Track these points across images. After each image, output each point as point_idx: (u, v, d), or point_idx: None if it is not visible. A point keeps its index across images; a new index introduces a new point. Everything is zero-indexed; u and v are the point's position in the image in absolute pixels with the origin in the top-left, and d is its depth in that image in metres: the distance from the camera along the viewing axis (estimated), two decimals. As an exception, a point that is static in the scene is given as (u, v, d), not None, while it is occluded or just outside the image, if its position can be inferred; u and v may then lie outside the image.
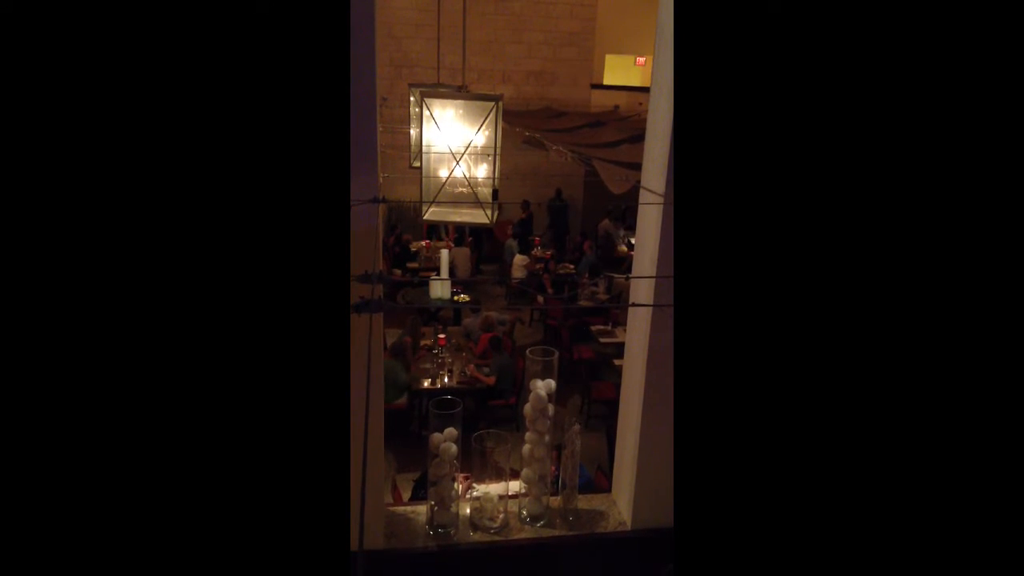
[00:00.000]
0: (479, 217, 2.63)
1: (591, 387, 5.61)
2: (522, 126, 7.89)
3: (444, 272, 6.88)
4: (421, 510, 2.62)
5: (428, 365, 5.39)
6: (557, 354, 2.48)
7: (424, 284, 7.17)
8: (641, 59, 10.82)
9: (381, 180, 2.21)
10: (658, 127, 2.28)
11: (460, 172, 2.50)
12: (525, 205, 10.59)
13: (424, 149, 2.55)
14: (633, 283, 2.54)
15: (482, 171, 2.54)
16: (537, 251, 9.32)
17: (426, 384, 5.13)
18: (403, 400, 4.98)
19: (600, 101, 11.29)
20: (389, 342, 5.62)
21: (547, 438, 2.55)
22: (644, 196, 2.35)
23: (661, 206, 2.20)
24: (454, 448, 2.45)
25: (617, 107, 10.84)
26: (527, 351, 2.53)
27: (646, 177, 2.37)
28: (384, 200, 1.99)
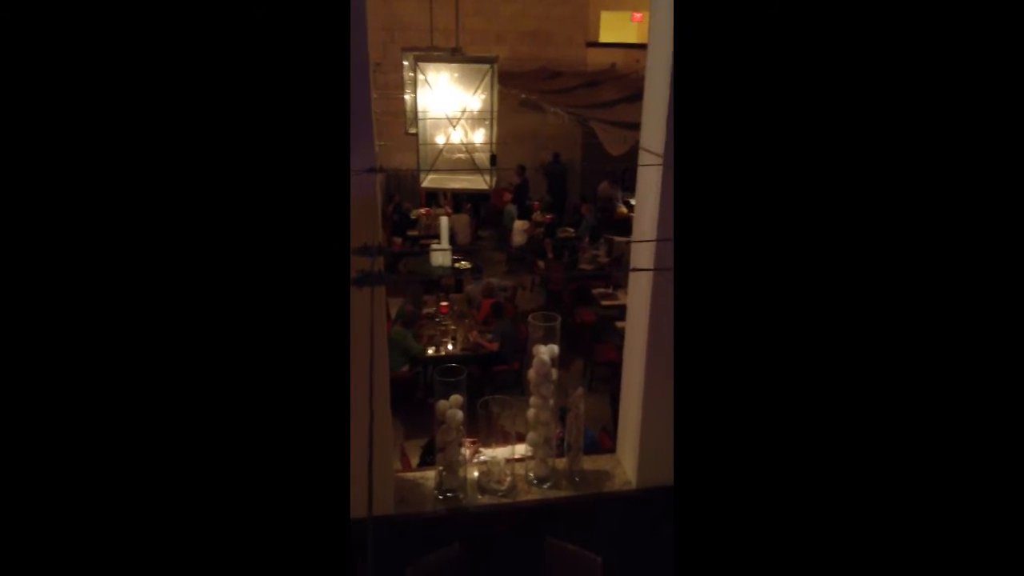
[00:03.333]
0: (478, 183, 2.61)
1: (594, 350, 5.65)
2: (518, 88, 7.76)
3: (444, 239, 6.86)
4: (430, 475, 2.66)
5: (431, 333, 5.41)
6: (560, 319, 2.48)
7: (424, 253, 7.15)
8: (638, 15, 10.57)
9: (378, 149, 2.19)
10: (656, 86, 2.24)
11: (457, 137, 2.47)
12: (520, 170, 10.47)
13: (420, 115, 2.50)
14: (634, 246, 2.53)
15: (479, 136, 2.51)
16: (537, 215, 9.27)
17: (430, 352, 5.17)
18: (406, 368, 5.02)
19: (596, 60, 11.07)
20: (392, 311, 5.64)
21: (551, 402, 2.58)
22: (643, 157, 2.33)
23: (660, 167, 2.18)
24: (460, 414, 2.48)
25: (614, 65, 10.64)
26: (529, 317, 2.54)
27: (645, 138, 2.34)
28: (382, 169, 1.97)
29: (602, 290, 6.50)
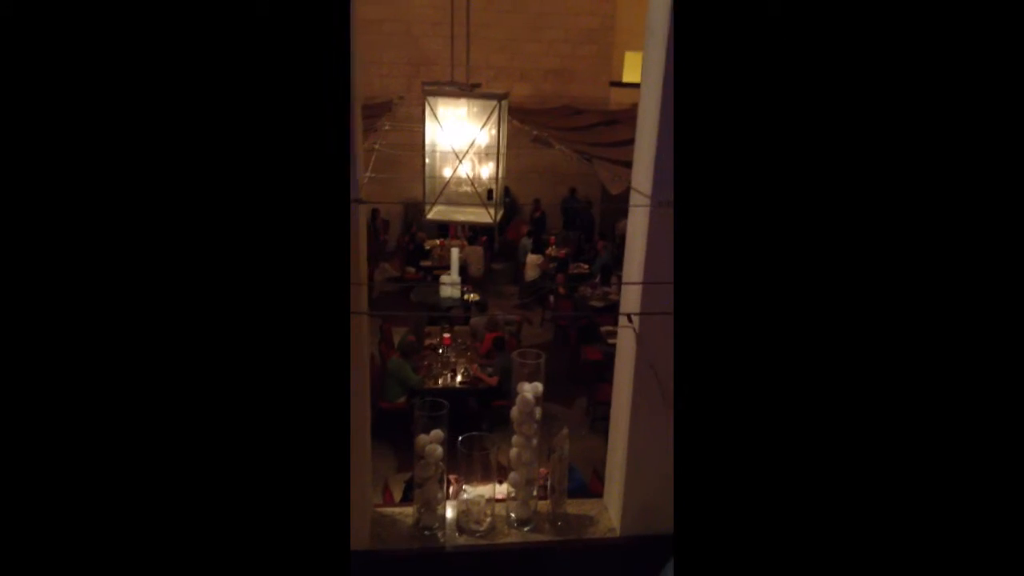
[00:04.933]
0: (483, 216, 2.61)
1: (597, 389, 5.56)
2: (539, 124, 7.84)
3: (454, 271, 6.88)
4: (409, 511, 2.61)
5: (430, 364, 5.38)
6: (544, 357, 2.44)
7: (431, 282, 7.17)
8: (661, 57, 10.68)
9: (364, 180, 2.20)
10: (647, 127, 2.23)
11: (465, 172, 2.48)
12: (536, 204, 10.55)
13: (429, 148, 2.53)
14: (623, 290, 2.50)
15: (488, 170, 2.51)
16: (551, 250, 9.28)
17: (431, 384, 5.14)
18: (403, 400, 4.99)
19: (620, 99, 11.19)
20: (396, 340, 5.63)
21: (534, 441, 2.52)
22: (634, 198, 2.31)
23: (648, 208, 2.16)
24: (439, 450, 2.43)
25: (635, 104, 10.73)
26: (513, 354, 2.50)
27: (636, 178, 2.33)
28: (362, 201, 1.97)
29: (610, 328, 6.43)
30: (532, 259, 8.78)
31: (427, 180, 2.50)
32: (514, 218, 10.86)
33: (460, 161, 2.49)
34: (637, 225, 2.31)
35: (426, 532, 2.50)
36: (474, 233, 9.60)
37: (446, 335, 5.58)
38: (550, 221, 10.87)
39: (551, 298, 7.99)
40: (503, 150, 2.46)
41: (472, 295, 7.03)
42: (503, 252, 10.53)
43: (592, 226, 11.00)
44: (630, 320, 2.12)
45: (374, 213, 9.93)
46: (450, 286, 6.60)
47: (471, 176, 2.51)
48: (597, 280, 7.96)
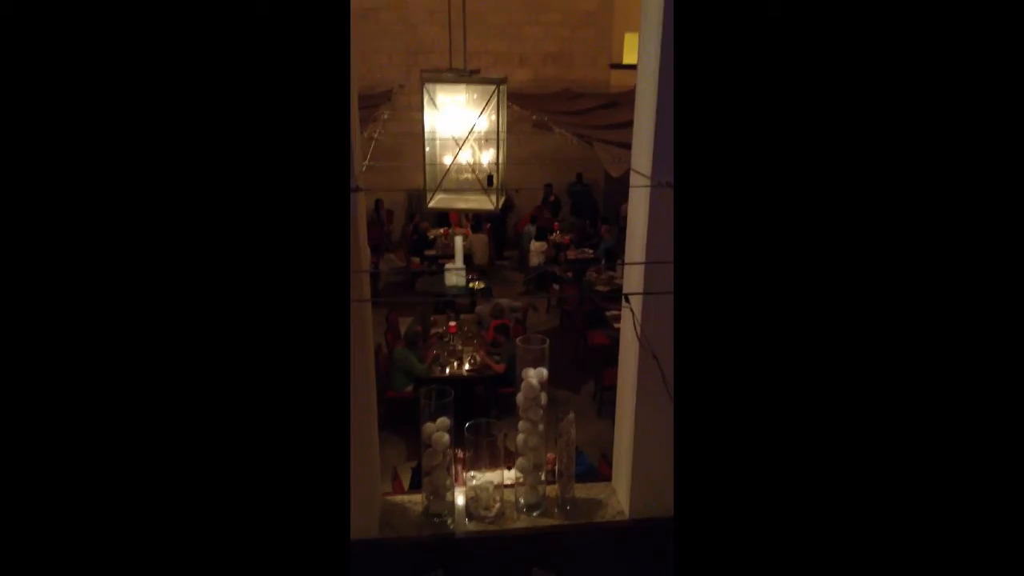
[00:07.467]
0: (484, 204, 2.59)
1: (604, 373, 5.56)
2: (539, 109, 7.78)
3: (459, 259, 6.87)
4: (418, 499, 2.62)
5: (437, 353, 5.39)
6: (548, 342, 2.44)
7: (436, 270, 7.17)
8: (661, 37, 10.56)
9: (363, 168, 2.19)
10: (644, 107, 2.20)
11: (466, 159, 2.46)
12: (548, 189, 10.49)
13: (428, 136, 2.50)
14: (626, 271, 2.48)
15: (488, 156, 2.49)
16: (555, 236, 9.25)
17: (436, 372, 5.14)
18: (410, 388, 5.00)
19: (620, 81, 11.08)
20: (403, 330, 5.64)
21: (541, 427, 2.51)
22: (633, 179, 2.28)
23: (648, 189, 2.13)
24: (446, 438, 2.43)
25: (635, 86, 10.63)
26: (517, 340, 2.49)
27: (635, 159, 2.30)
28: (359, 188, 1.96)
29: (615, 312, 6.41)
30: (536, 246, 8.75)
31: (427, 168, 2.49)
32: (510, 213, 10.83)
33: (460, 148, 2.47)
34: (638, 206, 2.29)
35: (435, 519, 2.51)
36: (478, 221, 9.58)
37: (451, 323, 5.58)
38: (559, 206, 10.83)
39: (555, 284, 7.97)
40: (503, 136, 2.44)
41: (477, 283, 7.02)
42: (509, 239, 10.51)
43: (595, 210, 10.94)
44: (627, 300, 2.11)
45: (377, 204, 9.90)
46: (455, 274, 6.60)
47: (472, 163, 2.49)
48: (602, 264, 7.93)
